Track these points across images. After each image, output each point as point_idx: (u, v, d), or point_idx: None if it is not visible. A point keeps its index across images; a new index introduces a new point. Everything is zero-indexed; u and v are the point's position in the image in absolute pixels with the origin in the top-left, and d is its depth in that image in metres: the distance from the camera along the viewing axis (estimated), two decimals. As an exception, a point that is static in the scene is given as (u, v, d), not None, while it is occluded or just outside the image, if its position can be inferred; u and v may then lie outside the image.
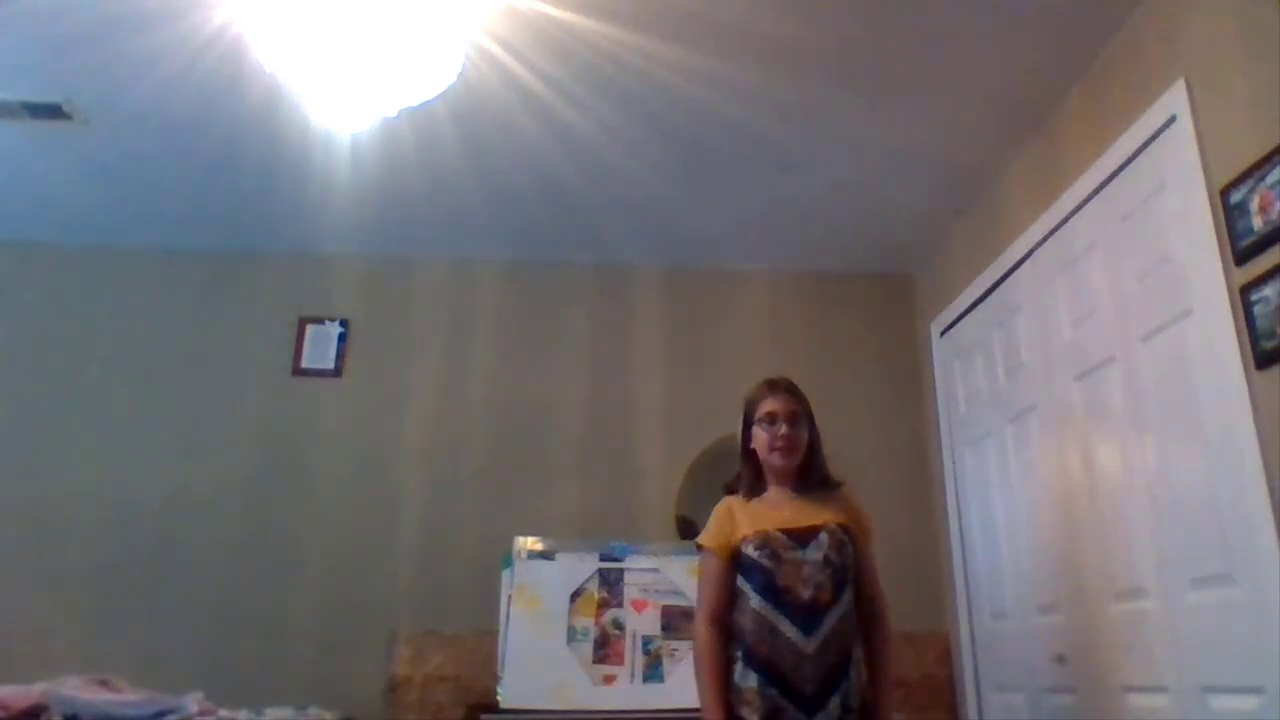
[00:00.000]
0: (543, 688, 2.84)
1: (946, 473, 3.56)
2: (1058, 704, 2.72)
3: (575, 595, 3.04)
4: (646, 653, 2.97)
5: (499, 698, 2.86)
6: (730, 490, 2.33)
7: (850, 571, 2.17)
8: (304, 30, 2.20)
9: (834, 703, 2.03)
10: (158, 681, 2.60)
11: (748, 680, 2.07)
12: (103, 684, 2.38)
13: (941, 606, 3.54)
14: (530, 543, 3.15)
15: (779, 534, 2.16)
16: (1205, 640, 2.10)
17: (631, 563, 3.12)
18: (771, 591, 2.11)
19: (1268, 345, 1.91)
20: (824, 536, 2.16)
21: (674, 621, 2.99)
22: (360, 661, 3.31)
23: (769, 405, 2.28)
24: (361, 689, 3.25)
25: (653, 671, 2.93)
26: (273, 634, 3.35)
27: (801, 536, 2.16)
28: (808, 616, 2.07)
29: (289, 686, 3.13)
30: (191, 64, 2.63)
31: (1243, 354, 1.98)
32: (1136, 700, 2.35)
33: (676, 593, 3.03)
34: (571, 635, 2.97)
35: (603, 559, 3.11)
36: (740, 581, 2.17)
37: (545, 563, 3.10)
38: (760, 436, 2.28)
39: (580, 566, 3.09)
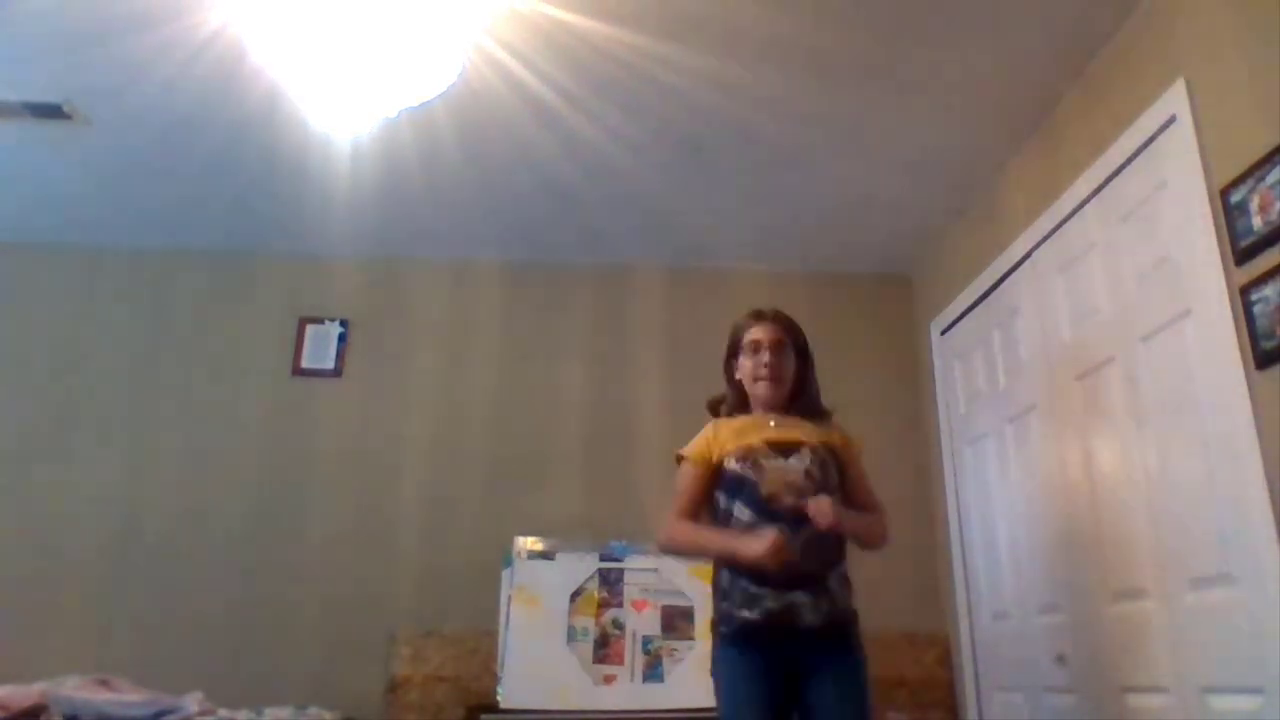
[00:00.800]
0: (543, 688, 2.84)
1: (946, 473, 3.56)
2: (1058, 704, 2.72)
3: (575, 595, 3.04)
4: (646, 653, 2.97)
5: (499, 698, 2.86)
6: (714, 411, 2.34)
7: (834, 491, 2.16)
8: (304, 31, 2.20)
9: (803, 594, 2.03)
10: (158, 681, 2.60)
11: (736, 587, 2.08)
12: (103, 684, 2.38)
13: (941, 606, 3.53)
14: (530, 543, 3.15)
15: (762, 445, 2.17)
16: (1205, 640, 2.10)
17: (631, 563, 3.12)
18: (756, 502, 2.11)
19: (1268, 345, 1.91)
20: (805, 451, 2.17)
21: (674, 621, 3.00)
22: (360, 661, 3.31)
23: (754, 333, 2.28)
24: (361, 689, 3.25)
25: (653, 671, 2.94)
26: (273, 634, 3.35)
27: (783, 448, 2.17)
28: (791, 523, 2.06)
29: (289, 686, 3.13)
30: (191, 64, 2.63)
31: (1243, 354, 1.98)
32: (1136, 700, 2.35)
33: (676, 593, 3.03)
34: (571, 635, 2.97)
35: (603, 559, 3.11)
36: (725, 499, 2.17)
37: (545, 563, 3.10)
38: (745, 365, 2.28)
39: (580, 566, 3.09)
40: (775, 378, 2.25)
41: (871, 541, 2.25)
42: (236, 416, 3.63)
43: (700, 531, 2.20)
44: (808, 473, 2.14)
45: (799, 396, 2.30)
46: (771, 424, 2.23)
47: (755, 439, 2.19)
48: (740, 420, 2.27)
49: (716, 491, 2.21)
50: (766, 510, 2.10)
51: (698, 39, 2.53)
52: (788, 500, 2.10)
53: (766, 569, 2.01)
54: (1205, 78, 2.16)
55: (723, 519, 2.17)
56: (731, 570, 2.11)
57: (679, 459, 2.28)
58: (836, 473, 2.21)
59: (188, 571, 3.41)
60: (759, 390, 2.26)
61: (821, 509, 2.06)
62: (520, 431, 3.68)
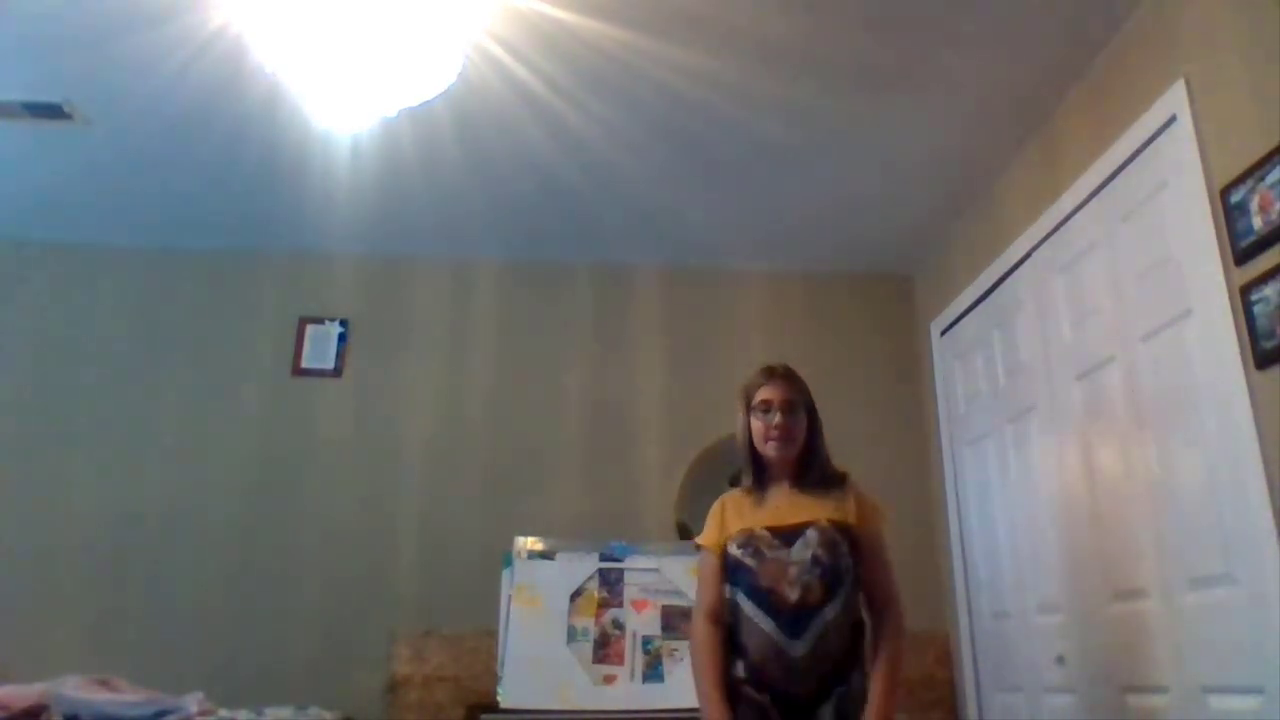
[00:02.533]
0: (543, 688, 2.84)
1: (946, 473, 3.56)
2: (1058, 704, 2.72)
3: (575, 595, 3.04)
4: (646, 653, 2.97)
5: (499, 698, 2.86)
6: (734, 483, 2.24)
7: (846, 572, 2.05)
8: (304, 30, 2.20)
9: (826, 710, 1.94)
10: (158, 681, 2.60)
11: (742, 681, 2.02)
12: (103, 684, 2.38)
13: (941, 606, 3.53)
14: (530, 543, 3.15)
15: (764, 532, 2.08)
16: (1205, 640, 2.10)
17: (631, 563, 3.11)
18: (756, 592, 2.03)
19: (1268, 345, 1.91)
20: (811, 534, 2.06)
21: (674, 621, 2.99)
22: (360, 661, 3.31)
23: (764, 393, 2.18)
24: (361, 689, 3.25)
25: (653, 671, 2.93)
26: (273, 634, 3.35)
27: (788, 534, 2.07)
28: (795, 620, 1.98)
29: (289, 686, 3.13)
30: (191, 64, 2.63)
31: (1243, 354, 1.98)
32: (1136, 700, 2.35)
33: (676, 593, 3.03)
34: (571, 635, 2.97)
35: (603, 559, 3.11)
36: (729, 587, 2.09)
37: (545, 563, 3.10)
38: (756, 426, 2.17)
39: (580, 566, 3.09)
40: (786, 438, 2.15)
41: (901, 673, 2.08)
42: (236, 416, 3.63)
43: (703, 671, 2.04)
44: (815, 559, 2.03)
45: (810, 459, 2.18)
46: (779, 506, 2.13)
47: (757, 522, 2.11)
48: (746, 498, 2.18)
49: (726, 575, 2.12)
50: (768, 603, 2.01)
51: (698, 39, 2.53)
52: (791, 595, 1.99)
53: None
54: (1205, 78, 2.16)
55: (731, 610, 2.08)
56: (745, 667, 2.02)
57: (697, 547, 2.22)
58: (849, 552, 2.07)
59: (188, 571, 3.41)
60: (770, 451, 2.16)
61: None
62: (520, 431, 3.68)
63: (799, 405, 2.19)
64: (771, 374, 2.22)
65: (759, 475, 2.20)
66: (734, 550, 2.09)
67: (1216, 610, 2.07)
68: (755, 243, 3.76)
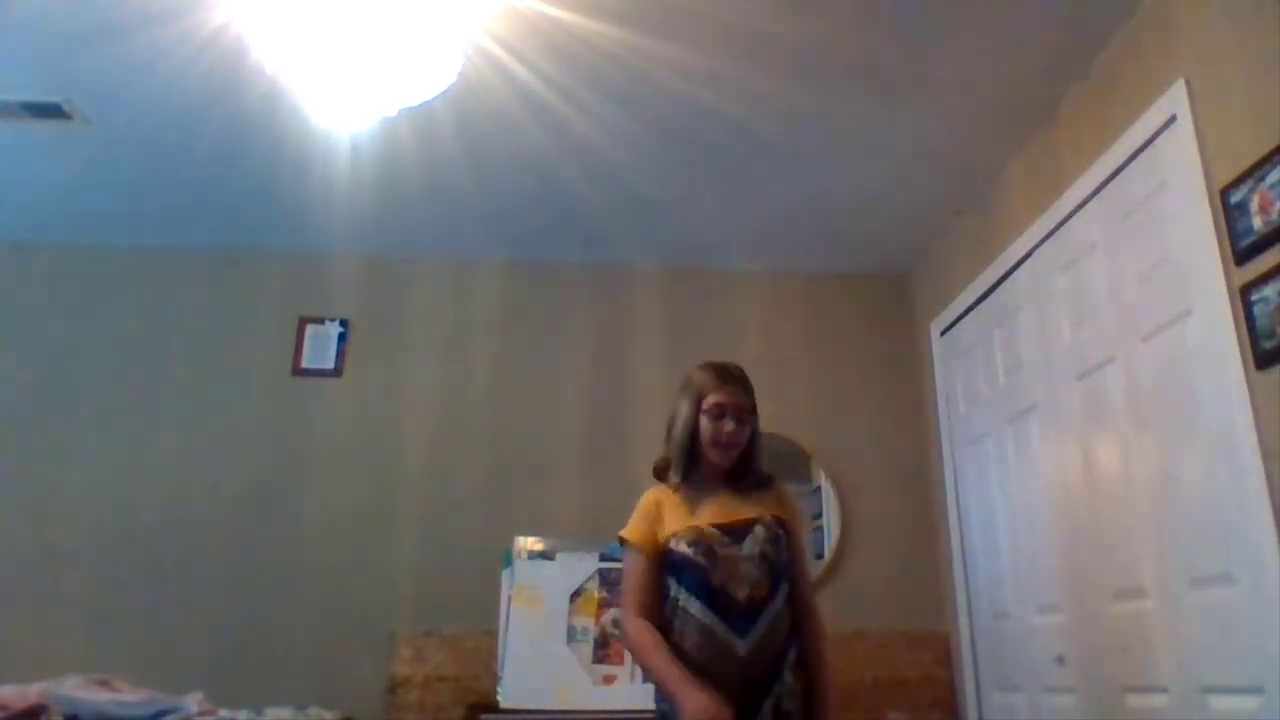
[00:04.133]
0: (543, 688, 2.84)
1: (946, 473, 3.56)
2: (1058, 704, 2.72)
3: (575, 595, 3.04)
4: (646, 653, 2.97)
5: (499, 698, 2.86)
6: (659, 475, 2.18)
7: (784, 567, 2.06)
8: (304, 30, 2.20)
9: (766, 706, 1.92)
10: (158, 682, 2.60)
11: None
12: (103, 684, 2.38)
13: (941, 606, 3.53)
14: (530, 543, 3.15)
15: (713, 529, 2.03)
16: (1205, 640, 2.10)
17: (631, 563, 3.11)
18: (706, 591, 1.98)
19: (1268, 345, 1.91)
20: (759, 530, 2.04)
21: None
22: (360, 661, 3.31)
23: (719, 397, 2.12)
24: (361, 689, 3.25)
25: (653, 671, 2.93)
26: (273, 634, 3.35)
27: (736, 531, 2.04)
28: (743, 617, 1.95)
29: (289, 686, 3.13)
30: (191, 64, 2.63)
31: (1243, 354, 1.98)
32: (1136, 700, 2.35)
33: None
34: (571, 635, 2.97)
35: (603, 559, 3.11)
36: (674, 586, 2.03)
37: (545, 563, 3.10)
38: (705, 427, 2.11)
39: (580, 566, 3.09)
40: (734, 444, 2.11)
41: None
42: (236, 416, 3.63)
43: (656, 652, 1.96)
44: (763, 554, 2.02)
45: (747, 464, 2.15)
46: (720, 504, 2.09)
47: (703, 520, 2.05)
48: (683, 496, 2.11)
49: (666, 576, 2.05)
50: (717, 602, 1.96)
51: (698, 39, 2.53)
52: (741, 593, 1.97)
53: None
54: (1205, 78, 2.16)
55: (670, 609, 2.01)
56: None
57: (621, 541, 2.12)
58: (787, 548, 2.09)
59: (187, 571, 3.41)
60: (714, 455, 2.11)
61: None
62: (520, 431, 3.68)
63: (749, 412, 2.15)
64: (727, 377, 2.16)
65: (689, 473, 2.15)
66: (682, 549, 2.02)
67: (1216, 610, 2.07)
68: (755, 243, 3.77)
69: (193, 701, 2.39)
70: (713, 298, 3.93)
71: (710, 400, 2.12)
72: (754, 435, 2.17)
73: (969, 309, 3.43)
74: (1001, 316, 3.20)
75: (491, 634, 3.13)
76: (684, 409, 2.16)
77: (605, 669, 2.93)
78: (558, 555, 3.12)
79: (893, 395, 3.84)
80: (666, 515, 2.09)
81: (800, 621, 2.07)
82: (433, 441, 3.65)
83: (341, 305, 3.81)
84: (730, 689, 1.89)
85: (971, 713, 3.26)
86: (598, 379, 3.78)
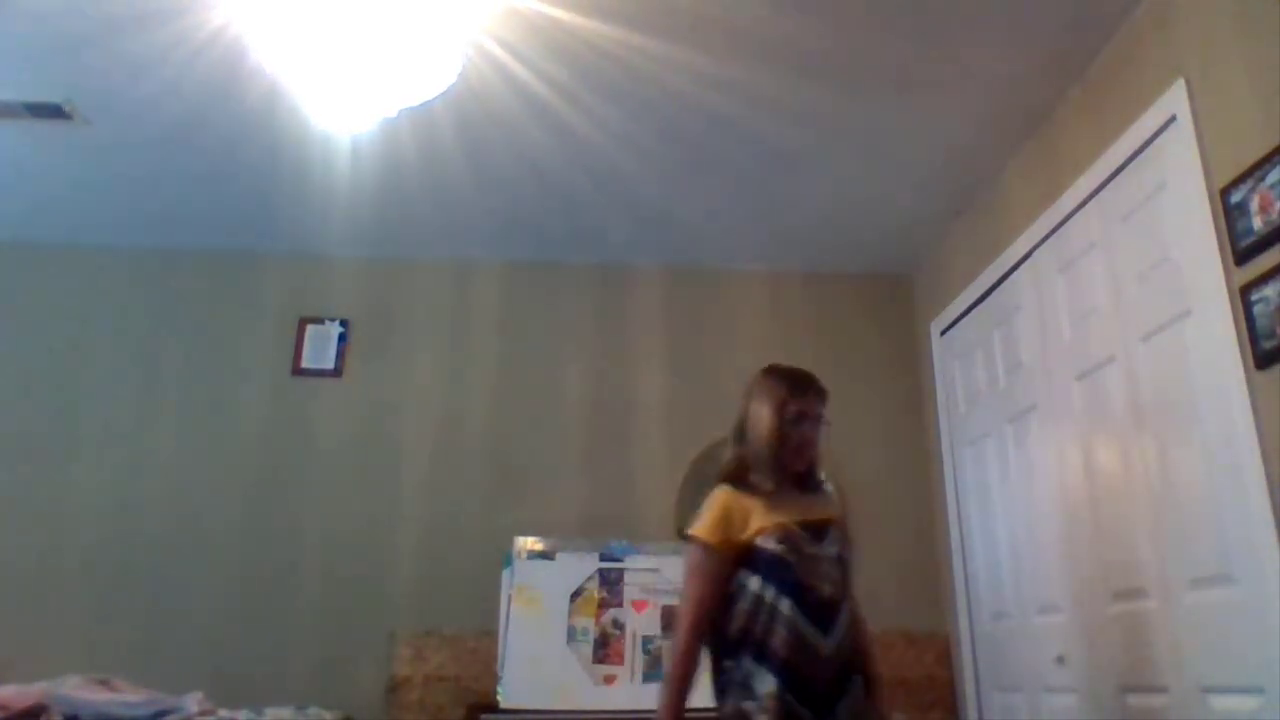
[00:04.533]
0: (543, 688, 2.84)
1: (946, 473, 3.56)
2: (1058, 704, 2.72)
3: (575, 595, 3.04)
4: (646, 653, 2.98)
5: (499, 698, 2.86)
6: (732, 479, 2.14)
7: (851, 568, 2.11)
8: (304, 30, 2.20)
9: (843, 707, 1.95)
10: (158, 681, 2.60)
11: (764, 684, 1.92)
12: (103, 684, 2.38)
13: (941, 607, 3.53)
14: (530, 543, 3.15)
15: (798, 527, 2.04)
16: (1205, 640, 2.10)
17: (631, 563, 3.12)
18: (794, 589, 1.97)
19: (1268, 345, 1.91)
20: (834, 530, 2.09)
21: (674, 621, 2.99)
22: (360, 661, 3.31)
23: (802, 405, 2.15)
24: (361, 689, 3.25)
25: (653, 671, 2.93)
26: (273, 634, 3.35)
27: (817, 530, 2.07)
28: (826, 616, 1.98)
29: (289, 686, 3.13)
30: (191, 64, 2.63)
31: (1243, 354, 1.98)
32: (1136, 700, 2.35)
33: (676, 593, 3.03)
34: (571, 635, 2.97)
35: (603, 559, 3.11)
36: (759, 584, 2.00)
37: (545, 563, 3.10)
38: (784, 432, 2.12)
39: (580, 566, 3.09)
40: (811, 449, 2.16)
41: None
42: (236, 416, 3.63)
43: (679, 684, 1.99)
44: (840, 554, 2.07)
45: (815, 467, 2.21)
46: (796, 502, 2.10)
47: (788, 517, 2.05)
48: (751, 498, 2.09)
49: (744, 573, 2.02)
50: (805, 600, 1.96)
51: (698, 39, 2.53)
52: (825, 590, 1.99)
53: None
54: (1205, 78, 2.16)
55: (753, 606, 1.99)
56: (774, 672, 1.93)
57: (687, 538, 2.10)
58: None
59: (188, 571, 3.41)
60: (789, 460, 2.13)
61: None
62: (520, 431, 3.68)
63: (825, 422, 2.20)
64: (809, 385, 2.19)
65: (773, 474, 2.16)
66: (771, 546, 2.01)
67: (1216, 610, 2.07)
68: (755, 243, 3.76)
69: (193, 701, 2.39)
70: (713, 298, 3.93)
71: (793, 408, 2.14)
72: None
73: (969, 309, 3.43)
74: (1001, 316, 3.20)
75: (491, 634, 3.13)
76: (766, 416, 2.14)
77: (605, 669, 2.93)
78: (558, 555, 3.12)
79: (893, 395, 3.84)
80: (749, 515, 2.06)
81: (858, 620, 2.12)
82: (433, 442, 3.65)
83: (341, 305, 3.81)
84: (816, 688, 1.92)
85: (971, 713, 3.26)
86: (598, 379, 3.78)
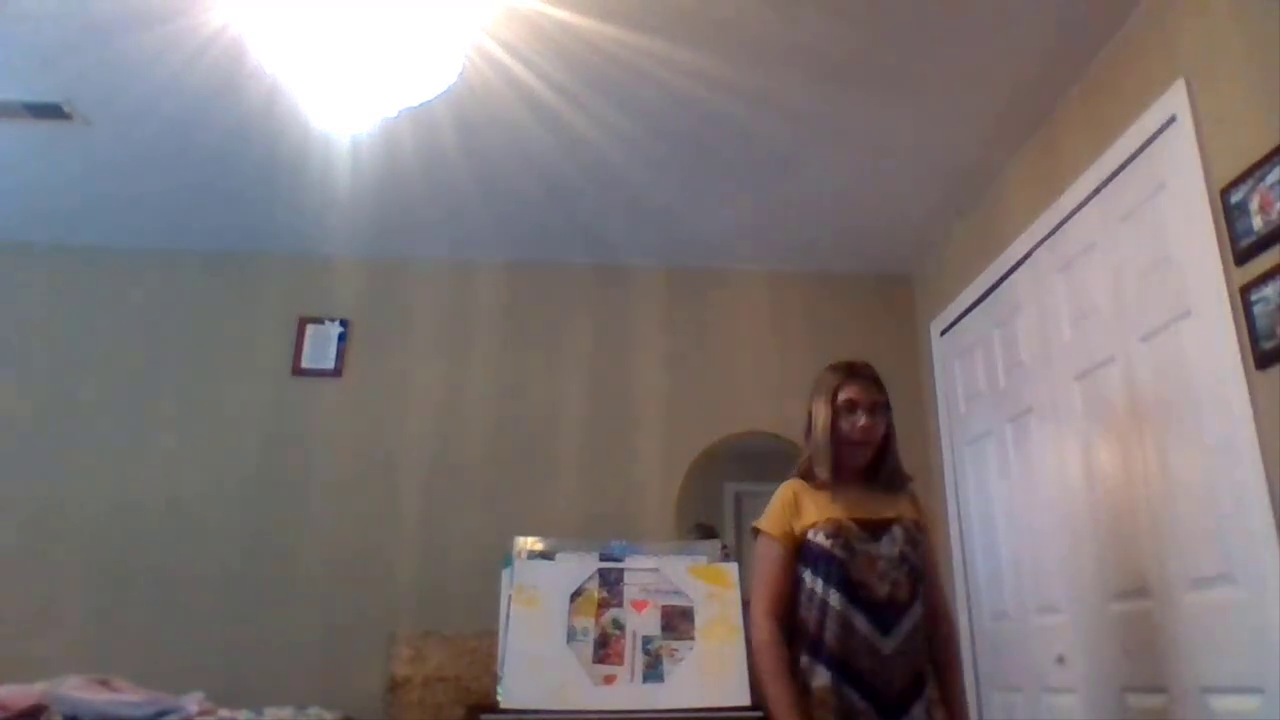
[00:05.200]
0: (543, 688, 2.83)
1: (946, 473, 3.56)
2: (1058, 704, 2.72)
3: (575, 595, 3.04)
4: (646, 653, 2.97)
5: (499, 698, 2.85)
6: (802, 474, 2.15)
7: (924, 572, 2.05)
8: (304, 30, 2.20)
9: (918, 709, 1.91)
10: (158, 681, 2.60)
11: (817, 678, 1.92)
12: (103, 684, 2.38)
13: (941, 606, 3.53)
14: (530, 543, 3.14)
15: (851, 523, 2.01)
16: (1205, 640, 2.10)
17: (631, 563, 3.11)
18: (845, 584, 1.95)
19: (1268, 345, 1.91)
20: (898, 531, 2.03)
21: (674, 621, 2.99)
22: (360, 661, 3.31)
23: (851, 392, 2.12)
24: (361, 689, 3.25)
25: (653, 671, 2.93)
26: (273, 634, 3.35)
27: (875, 528, 2.02)
28: (885, 614, 1.94)
29: (289, 686, 3.13)
30: (191, 64, 2.63)
31: (1243, 354, 1.98)
32: (1136, 700, 2.35)
33: (676, 593, 3.03)
34: (571, 635, 2.97)
35: (603, 559, 3.11)
36: (810, 576, 2.01)
37: (545, 563, 3.09)
38: (840, 423, 2.12)
39: (580, 566, 3.09)
40: (870, 441, 2.11)
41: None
42: (236, 416, 3.63)
43: (780, 680, 1.94)
44: (903, 555, 2.01)
45: (883, 460, 2.15)
46: (855, 499, 2.08)
47: (843, 513, 2.04)
48: (817, 491, 2.10)
49: (800, 565, 2.04)
50: (859, 597, 1.95)
51: (698, 39, 2.53)
52: (881, 590, 1.96)
53: None
54: (1205, 78, 2.16)
55: (807, 599, 2.00)
56: (829, 665, 1.93)
57: (755, 532, 2.12)
58: (924, 553, 2.08)
59: (188, 571, 3.41)
60: (850, 452, 2.11)
61: None
62: (520, 431, 3.68)
63: (881, 407, 2.15)
64: (856, 372, 2.17)
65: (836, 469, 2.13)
66: (820, 540, 2.01)
67: (1216, 610, 2.07)
68: (755, 243, 3.77)
69: (193, 701, 2.39)
70: (713, 298, 3.93)
71: (842, 396, 2.13)
72: (890, 433, 2.17)
73: (969, 309, 3.43)
74: (1001, 316, 3.20)
75: (491, 634, 3.12)
76: (820, 409, 2.15)
77: (605, 669, 2.93)
78: (558, 555, 3.11)
79: (893, 395, 3.80)
80: (804, 507, 2.08)
81: (935, 627, 2.07)
82: (433, 441, 3.65)
83: (341, 305, 3.81)
84: (875, 686, 1.90)
85: (971, 713, 3.26)
86: (598, 379, 3.78)
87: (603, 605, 3.03)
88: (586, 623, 3.00)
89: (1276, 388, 1.90)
